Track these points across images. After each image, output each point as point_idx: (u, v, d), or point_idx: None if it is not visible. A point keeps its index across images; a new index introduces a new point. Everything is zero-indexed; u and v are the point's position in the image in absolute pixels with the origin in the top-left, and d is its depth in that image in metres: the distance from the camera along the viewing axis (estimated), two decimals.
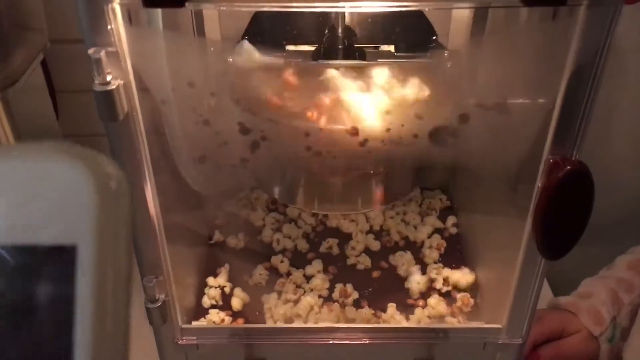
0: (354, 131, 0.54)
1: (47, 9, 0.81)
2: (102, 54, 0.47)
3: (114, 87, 0.48)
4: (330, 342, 0.68)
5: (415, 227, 0.93)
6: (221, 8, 0.69)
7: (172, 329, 0.66)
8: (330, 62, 0.63)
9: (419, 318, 0.76)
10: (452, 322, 0.76)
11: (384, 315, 0.77)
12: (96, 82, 0.48)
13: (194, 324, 0.75)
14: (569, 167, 0.51)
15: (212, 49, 0.63)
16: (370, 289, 0.82)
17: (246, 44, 0.60)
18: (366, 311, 0.78)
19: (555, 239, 0.54)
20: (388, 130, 0.56)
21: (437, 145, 0.58)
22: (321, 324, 0.74)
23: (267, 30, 0.65)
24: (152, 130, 0.56)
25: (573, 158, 0.53)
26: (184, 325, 0.67)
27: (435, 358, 0.69)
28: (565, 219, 0.53)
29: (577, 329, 0.81)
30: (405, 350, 0.70)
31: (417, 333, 0.69)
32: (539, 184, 0.54)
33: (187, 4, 0.46)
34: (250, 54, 0.59)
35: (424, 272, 0.84)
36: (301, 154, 0.57)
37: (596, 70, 0.49)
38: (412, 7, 0.50)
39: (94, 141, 1.00)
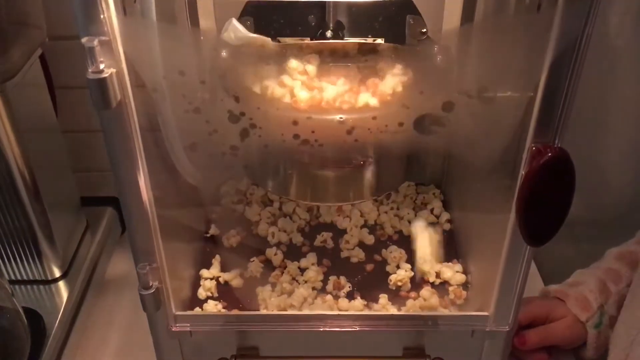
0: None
1: (47, 6, 0.83)
2: (96, 42, 0.49)
3: (106, 75, 0.50)
4: (321, 329, 0.69)
5: (409, 222, 0.94)
6: None
7: (165, 316, 0.67)
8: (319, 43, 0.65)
9: (410, 309, 0.77)
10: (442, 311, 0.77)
11: (375, 306, 0.78)
12: (89, 70, 0.50)
13: (188, 311, 0.76)
14: (550, 154, 0.52)
15: (202, 38, 0.64)
16: (363, 282, 0.83)
17: (234, 21, 0.61)
18: (358, 302, 0.79)
19: (537, 225, 0.55)
20: (374, 118, 0.57)
21: (421, 134, 0.59)
22: (312, 312, 0.75)
23: (260, 22, 0.66)
24: (146, 120, 0.57)
25: (555, 145, 0.54)
26: (178, 312, 0.68)
27: (424, 346, 0.70)
28: (547, 205, 0.54)
29: (562, 315, 0.82)
30: (395, 339, 0.71)
31: (406, 321, 0.70)
32: (522, 171, 0.55)
33: None
34: (238, 31, 0.60)
35: (413, 267, 0.85)
36: (289, 142, 0.58)
37: (576, 58, 0.50)
38: None
39: (91, 137, 1.02)
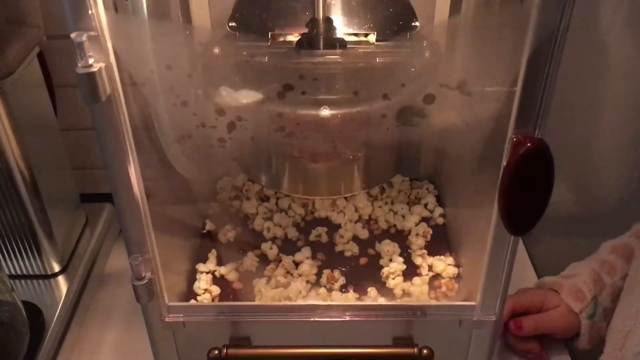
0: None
1: (45, 5, 0.84)
2: (84, 37, 0.50)
3: (95, 69, 0.51)
4: (312, 319, 0.70)
5: (403, 217, 0.95)
6: None
7: (158, 306, 0.69)
8: (311, 58, 0.66)
9: (399, 299, 0.78)
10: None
11: (366, 299, 0.79)
12: (79, 65, 0.51)
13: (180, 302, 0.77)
14: (529, 145, 0.53)
15: (187, 32, 0.65)
16: (357, 275, 0.84)
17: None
18: (351, 295, 0.80)
19: (518, 214, 0.56)
20: (357, 111, 0.58)
21: (404, 126, 0.60)
22: (304, 302, 0.76)
23: (252, 16, 0.67)
24: (139, 113, 0.58)
25: (535, 136, 0.55)
26: (171, 303, 0.69)
27: (413, 336, 0.71)
28: (527, 195, 0.55)
29: (556, 305, 0.83)
30: (384, 328, 0.72)
31: (394, 311, 0.71)
32: (504, 162, 0.56)
33: None
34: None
35: (407, 261, 0.86)
36: (275, 135, 0.59)
37: (553, 49, 0.51)
38: None
39: (91, 134, 1.03)
